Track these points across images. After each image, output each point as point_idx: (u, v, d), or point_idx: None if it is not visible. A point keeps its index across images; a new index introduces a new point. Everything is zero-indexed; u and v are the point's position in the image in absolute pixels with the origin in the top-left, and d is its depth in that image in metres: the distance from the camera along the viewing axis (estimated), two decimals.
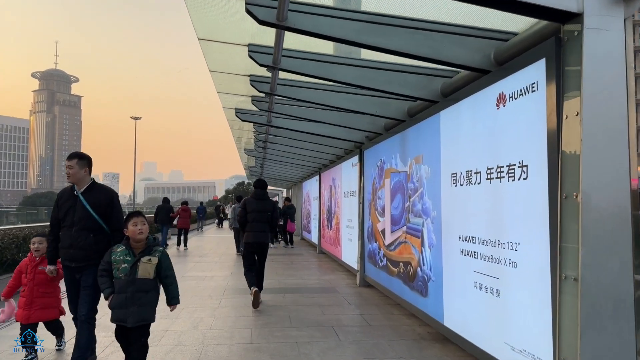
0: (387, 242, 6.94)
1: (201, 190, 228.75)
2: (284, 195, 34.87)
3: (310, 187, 17.09)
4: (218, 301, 7.04)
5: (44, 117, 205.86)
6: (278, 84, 6.05)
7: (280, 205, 22.22)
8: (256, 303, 6.42)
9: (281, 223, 16.17)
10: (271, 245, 15.54)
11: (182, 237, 15.29)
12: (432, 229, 5.17)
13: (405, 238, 6.05)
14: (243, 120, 8.47)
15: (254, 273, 6.82)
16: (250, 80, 6.14)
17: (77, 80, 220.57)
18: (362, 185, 8.61)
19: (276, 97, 6.41)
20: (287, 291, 7.85)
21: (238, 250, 13.86)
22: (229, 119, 9.49)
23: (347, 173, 10.26)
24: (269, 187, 34.02)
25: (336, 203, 11.57)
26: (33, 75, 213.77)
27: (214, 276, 9.42)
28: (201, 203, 28.05)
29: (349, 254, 9.91)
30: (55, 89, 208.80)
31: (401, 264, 6.24)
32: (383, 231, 7.15)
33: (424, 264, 5.42)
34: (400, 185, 6.30)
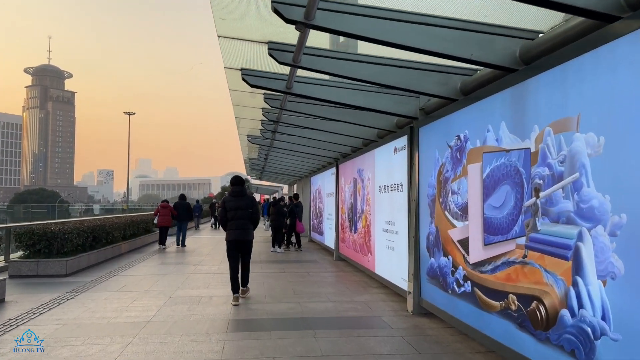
0: (473, 259, 4.63)
1: (196, 187, 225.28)
2: (285, 192, 32.37)
3: (323, 181, 14.74)
4: (220, 345, 4.72)
5: (37, 113, 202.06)
6: (319, 8, 3.72)
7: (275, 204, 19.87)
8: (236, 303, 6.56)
9: (287, 223, 13.98)
10: (278, 250, 13.29)
11: (164, 237, 14.76)
12: (609, 247, 2.87)
13: (527, 257, 3.74)
14: (252, 86, 6.11)
15: (239, 275, 6.85)
16: (273, 1, 3.79)
17: (70, 76, 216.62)
18: (415, 175, 6.30)
19: (313, 29, 4.01)
20: (317, 325, 5.53)
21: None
22: (232, 88, 7.14)
23: (384, 161, 7.94)
24: (268, 184, 31.95)
25: (365, 200, 9.24)
26: (26, 70, 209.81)
27: (213, 297, 7.08)
28: (197, 201, 27.45)
29: (390, 268, 7.59)
30: (49, 84, 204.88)
31: (512, 296, 3.94)
32: (464, 241, 4.85)
33: (581, 306, 3.12)
34: (510, 171, 3.99)
